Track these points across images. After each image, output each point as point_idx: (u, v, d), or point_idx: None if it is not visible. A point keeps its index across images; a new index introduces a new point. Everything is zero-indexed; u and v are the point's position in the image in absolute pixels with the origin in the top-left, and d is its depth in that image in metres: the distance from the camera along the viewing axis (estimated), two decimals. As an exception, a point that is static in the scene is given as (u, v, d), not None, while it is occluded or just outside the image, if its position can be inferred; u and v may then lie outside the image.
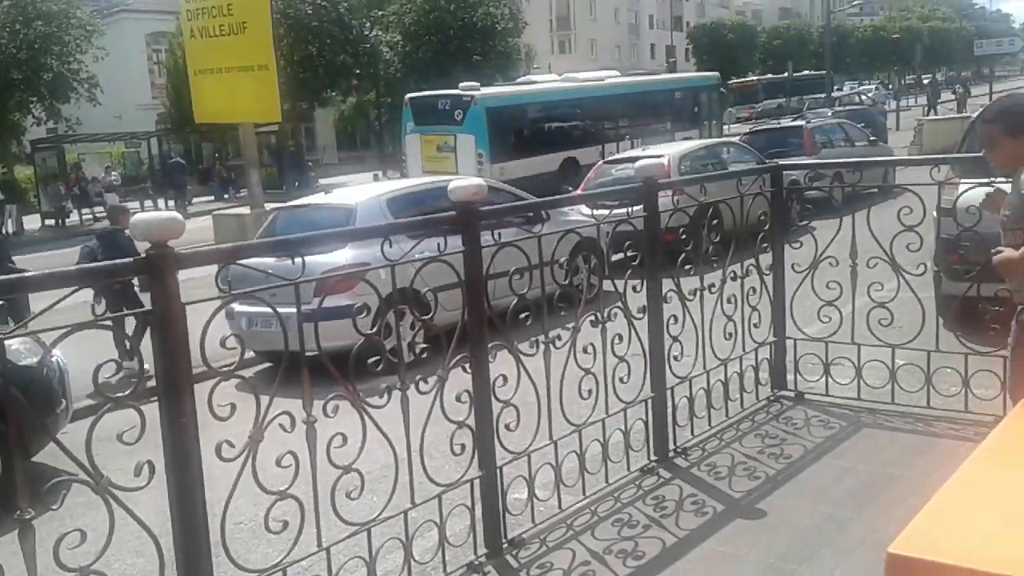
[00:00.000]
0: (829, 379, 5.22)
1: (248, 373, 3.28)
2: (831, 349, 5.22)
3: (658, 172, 4.60)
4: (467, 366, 3.62)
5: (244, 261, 3.09)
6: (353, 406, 3.22)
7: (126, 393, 2.66)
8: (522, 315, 3.87)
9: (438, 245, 3.48)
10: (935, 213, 5.17)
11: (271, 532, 3.00)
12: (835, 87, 45.04)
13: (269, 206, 13.01)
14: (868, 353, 5.09)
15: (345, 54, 35.27)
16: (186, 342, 2.68)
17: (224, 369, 2.89)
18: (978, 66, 64.55)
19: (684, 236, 4.78)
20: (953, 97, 41.44)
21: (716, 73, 31.15)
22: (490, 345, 3.69)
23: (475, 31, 40.80)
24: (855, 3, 56.70)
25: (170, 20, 33.69)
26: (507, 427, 3.77)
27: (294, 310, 3.00)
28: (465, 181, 3.54)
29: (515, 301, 3.80)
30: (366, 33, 36.18)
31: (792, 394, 5.40)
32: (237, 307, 7.03)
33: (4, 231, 25.52)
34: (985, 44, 46.70)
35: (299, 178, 32.15)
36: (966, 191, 5.08)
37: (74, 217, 28.97)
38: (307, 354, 3.06)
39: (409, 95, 22.40)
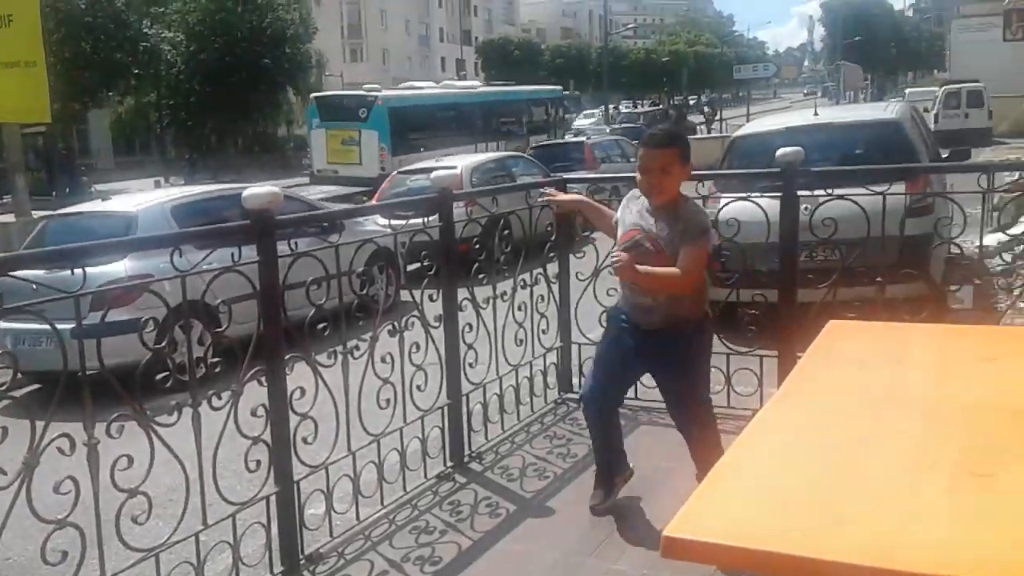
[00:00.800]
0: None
1: (19, 393, 3.04)
2: (613, 352, 5.56)
3: (453, 183, 4.73)
4: (263, 379, 3.56)
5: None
6: (140, 426, 3.08)
7: None
8: (320, 326, 3.85)
9: (232, 255, 3.40)
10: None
11: (48, 564, 2.80)
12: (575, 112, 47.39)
13: (37, 214, 12.05)
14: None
15: (122, 52, 33.00)
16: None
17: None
18: (737, 89, 70.64)
19: (478, 246, 4.93)
20: (703, 118, 44.75)
21: (560, 87, 35.73)
22: (287, 357, 3.64)
23: (264, 35, 39.55)
24: (629, 27, 60.23)
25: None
26: (304, 440, 3.74)
27: (70, 326, 2.83)
28: (260, 189, 3.47)
29: (312, 312, 3.78)
30: (146, 31, 34.04)
31: (577, 396, 5.70)
32: (1, 324, 6.45)
33: None
34: (743, 69, 51.17)
35: (70, 184, 29.69)
36: (726, 205, 5.61)
37: None
38: (87, 373, 2.89)
39: (315, 94, 25.26)
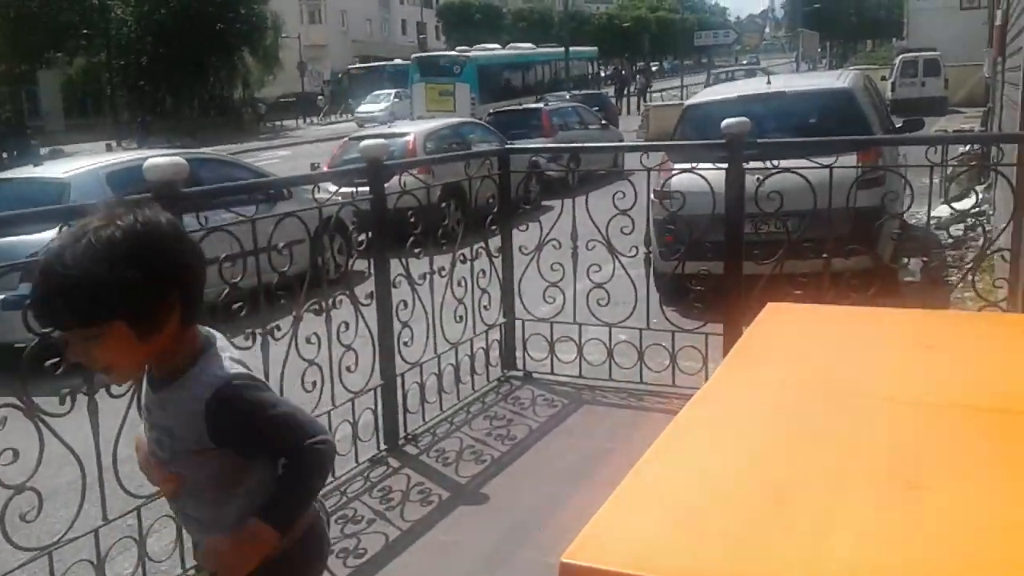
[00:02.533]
0: (554, 358, 5.40)
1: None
2: (556, 329, 5.40)
3: (383, 152, 4.48)
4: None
5: None
6: (27, 416, 2.84)
7: None
8: (235, 305, 3.61)
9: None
10: (652, 196, 5.49)
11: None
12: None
13: None
14: (589, 332, 5.32)
15: (70, 11, 31.91)
16: None
17: None
18: (700, 56, 70.50)
19: (413, 219, 4.70)
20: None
21: (595, 48, 43.89)
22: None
23: (216, -5, 38.52)
24: (591, -9, 59.53)
25: None
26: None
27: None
28: (162, 159, 3.19)
29: (226, 291, 3.54)
30: (94, -11, 32.96)
31: (521, 374, 5.55)
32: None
33: None
34: (704, 35, 51.06)
35: (17, 147, 28.70)
36: (674, 175, 5.44)
37: None
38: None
39: (415, 55, 31.92)
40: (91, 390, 3.00)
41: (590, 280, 5.19)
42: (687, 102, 9.06)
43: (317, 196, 4.27)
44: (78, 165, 8.25)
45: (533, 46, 35.71)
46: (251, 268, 3.68)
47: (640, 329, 5.09)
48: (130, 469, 3.45)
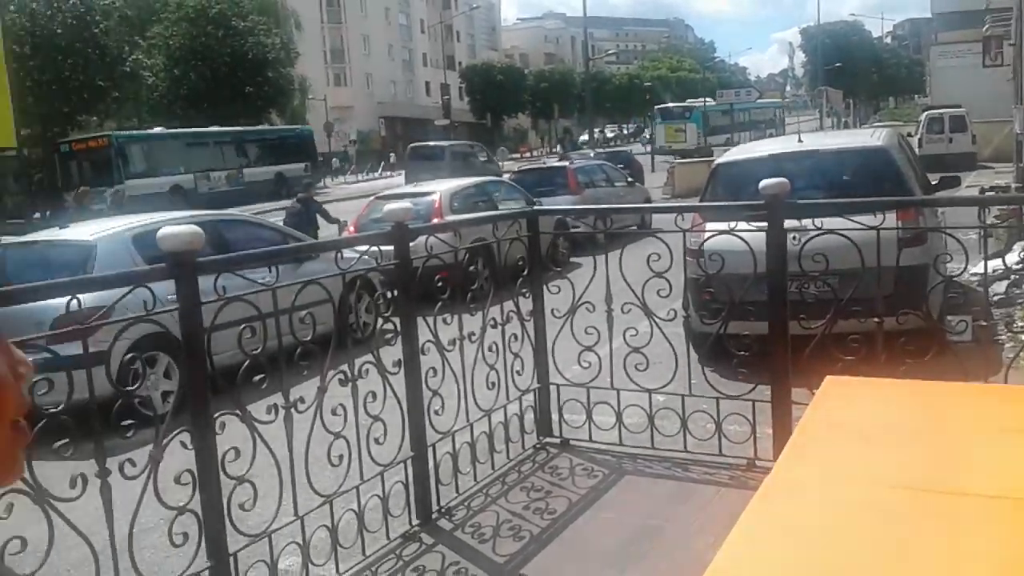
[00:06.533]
0: (592, 425, 5.15)
1: None
2: (592, 394, 5.16)
3: (408, 215, 4.33)
4: (188, 441, 3.13)
5: None
6: (35, 502, 2.64)
7: None
8: (256, 378, 3.43)
9: (144, 302, 2.98)
10: (687, 256, 5.30)
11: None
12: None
13: (4, 239, 11.60)
14: (627, 398, 5.08)
15: (101, 77, 32.61)
16: None
17: None
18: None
19: (440, 283, 4.52)
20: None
21: (781, 100, 64.48)
22: (216, 415, 3.22)
23: (246, 60, 39.31)
24: (611, 52, 60.59)
25: None
26: (241, 507, 3.31)
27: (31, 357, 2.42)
28: (177, 228, 3.05)
29: (246, 363, 3.35)
30: (124, 56, 33.64)
31: (558, 441, 5.29)
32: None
33: None
34: (726, 94, 51.47)
35: (51, 207, 29.15)
36: (711, 237, 5.24)
37: None
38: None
39: (658, 106, 50.74)
40: (103, 472, 2.81)
41: (627, 343, 4.97)
42: (718, 160, 8.89)
43: (343, 259, 4.09)
44: (104, 227, 8.19)
45: (753, 92, 57.62)
46: (271, 334, 3.51)
47: (682, 395, 4.84)
48: (150, 556, 3.28)
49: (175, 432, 3.09)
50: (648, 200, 17.52)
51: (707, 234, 5.41)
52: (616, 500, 4.53)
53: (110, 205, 19.31)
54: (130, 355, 3.09)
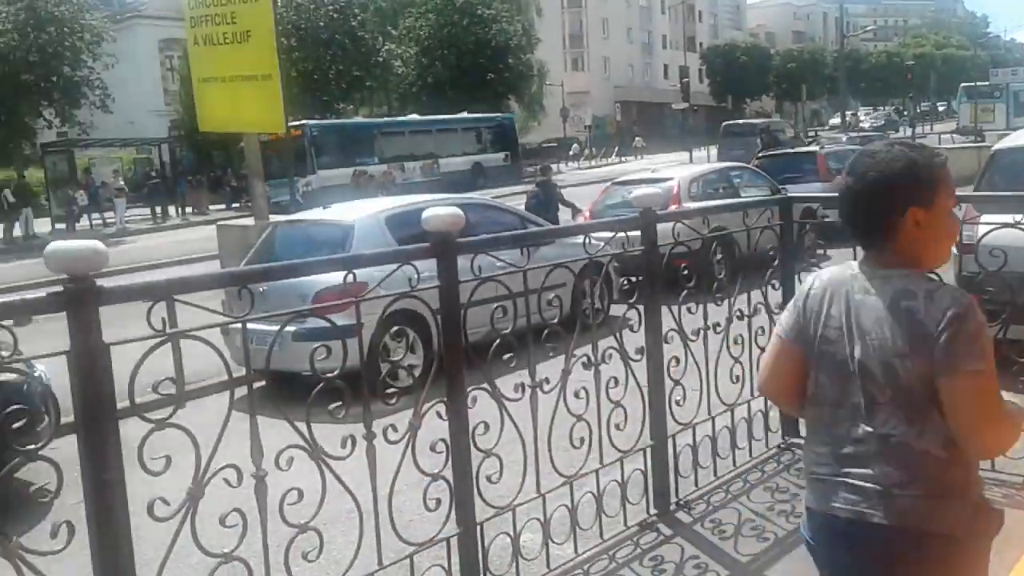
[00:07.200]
0: (843, 426, 4.83)
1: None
2: (845, 394, 4.84)
3: (658, 201, 4.25)
4: (442, 412, 3.27)
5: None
6: (311, 458, 2.87)
7: (38, 445, 2.31)
8: (505, 356, 3.51)
9: (409, 280, 3.13)
10: (955, 250, 4.83)
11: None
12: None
13: (273, 218, 12.82)
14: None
15: (357, 67, 35.13)
16: (110, 387, 2.33)
17: (157, 417, 2.53)
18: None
19: (686, 271, 4.41)
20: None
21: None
22: (469, 389, 3.33)
23: (489, 47, 40.69)
24: (868, 28, 56.44)
25: (183, 26, 33.77)
26: (488, 479, 3.42)
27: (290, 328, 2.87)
28: (441, 210, 3.19)
29: (497, 341, 3.45)
30: (377, 47, 36.00)
31: (803, 442, 5.02)
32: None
33: (28, 231, 25.55)
34: (1000, 73, 46.48)
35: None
36: (989, 231, 4.73)
37: (84, 221, 28.87)
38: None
39: (964, 84, 46.22)
40: (369, 435, 3.00)
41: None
42: (996, 146, 8.02)
43: (588, 244, 4.09)
44: (362, 209, 8.78)
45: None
46: (517, 314, 3.58)
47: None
48: (404, 516, 3.47)
49: (432, 403, 3.23)
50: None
51: (983, 227, 4.89)
52: None
53: (377, 187, 20.00)
54: (396, 327, 3.23)
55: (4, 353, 2.31)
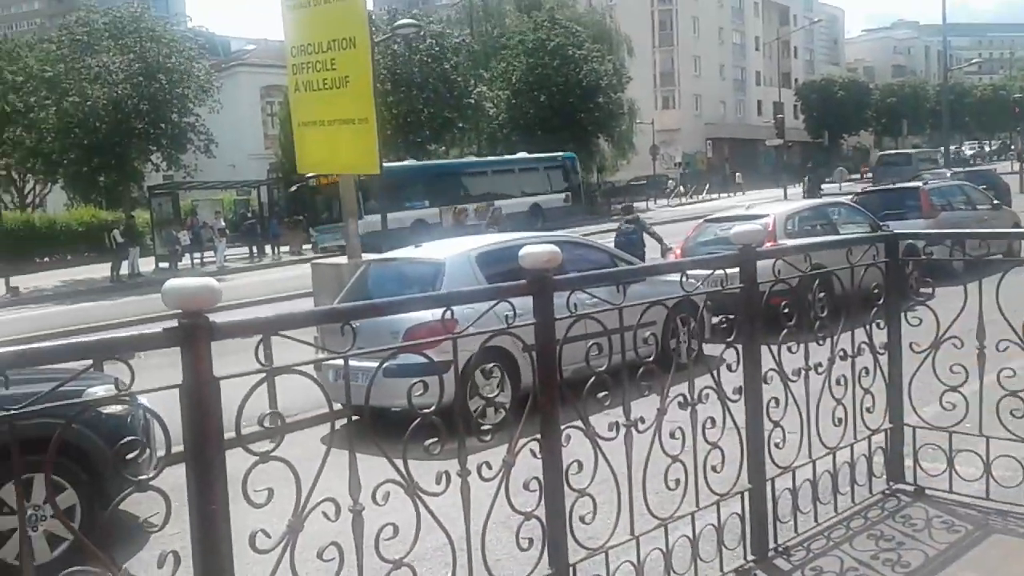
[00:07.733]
0: (954, 473, 4.60)
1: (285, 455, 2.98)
2: (955, 440, 4.61)
3: (757, 238, 4.18)
4: (536, 450, 3.26)
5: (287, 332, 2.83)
6: (407, 493, 2.89)
7: (151, 475, 2.40)
8: (600, 394, 3.48)
9: (506, 317, 3.15)
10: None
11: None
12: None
13: (366, 256, 13.14)
14: (999, 447, 4.47)
15: (449, 109, 35.86)
16: (219, 419, 2.41)
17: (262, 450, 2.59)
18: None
19: (787, 310, 4.31)
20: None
21: None
22: (563, 427, 3.32)
23: (579, 87, 40.95)
24: (974, 61, 54.55)
25: (283, 74, 35.05)
26: (582, 520, 3.38)
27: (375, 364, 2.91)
28: (538, 248, 3.21)
29: (592, 378, 3.43)
30: (469, 89, 36.67)
31: (911, 488, 4.80)
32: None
33: (134, 269, 26.92)
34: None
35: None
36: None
37: (186, 260, 30.21)
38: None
39: None
40: (464, 472, 3.01)
41: (1000, 385, 4.38)
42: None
43: (685, 282, 4.05)
44: (453, 248, 8.90)
45: None
46: (612, 351, 3.55)
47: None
48: (497, 554, 3.46)
49: (527, 440, 3.22)
50: (1018, 225, 15.49)
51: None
52: (982, 560, 4.00)
53: (487, 224, 19.91)
54: (492, 364, 3.25)
55: (110, 387, 2.42)
